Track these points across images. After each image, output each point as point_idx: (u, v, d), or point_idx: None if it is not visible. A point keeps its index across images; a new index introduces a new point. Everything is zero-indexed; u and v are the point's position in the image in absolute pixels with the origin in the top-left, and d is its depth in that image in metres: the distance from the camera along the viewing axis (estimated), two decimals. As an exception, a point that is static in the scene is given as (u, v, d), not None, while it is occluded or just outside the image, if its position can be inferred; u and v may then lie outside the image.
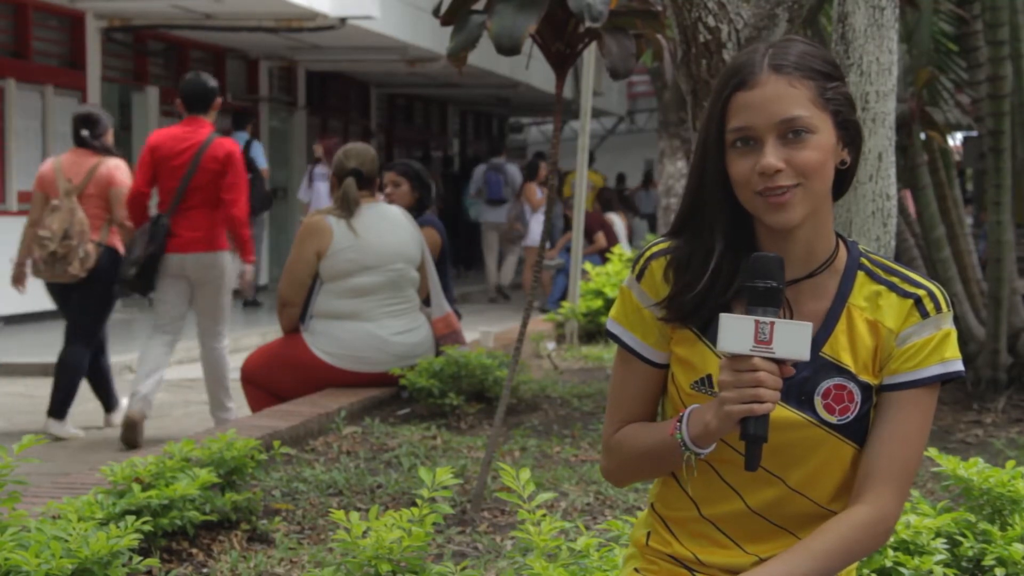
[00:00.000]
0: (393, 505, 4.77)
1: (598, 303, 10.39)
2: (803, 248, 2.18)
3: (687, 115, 4.22)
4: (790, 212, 2.11)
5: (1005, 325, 7.32)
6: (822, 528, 2.15)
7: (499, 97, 25.76)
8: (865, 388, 2.17)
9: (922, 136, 7.58)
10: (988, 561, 3.37)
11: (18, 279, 8.03)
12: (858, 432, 2.18)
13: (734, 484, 2.21)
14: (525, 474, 3.42)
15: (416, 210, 7.72)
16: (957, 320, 7.63)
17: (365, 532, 3.45)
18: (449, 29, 4.69)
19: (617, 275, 10.61)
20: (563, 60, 4.81)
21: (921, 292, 2.19)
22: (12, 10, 14.32)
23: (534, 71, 18.59)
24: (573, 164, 12.13)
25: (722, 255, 2.17)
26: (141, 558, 3.61)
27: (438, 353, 6.89)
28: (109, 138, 8.15)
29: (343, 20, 15.57)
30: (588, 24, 4.50)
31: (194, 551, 4.15)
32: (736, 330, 2.04)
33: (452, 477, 3.58)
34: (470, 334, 8.27)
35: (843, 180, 2.22)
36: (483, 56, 7.21)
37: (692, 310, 2.20)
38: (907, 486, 2.19)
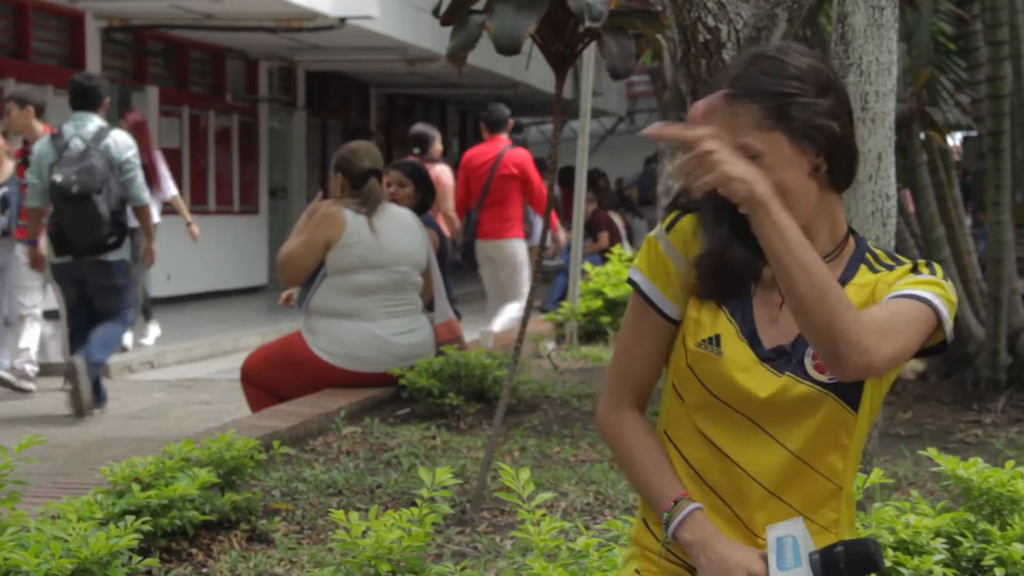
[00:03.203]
0: (393, 505, 4.77)
1: (598, 303, 10.39)
2: (815, 240, 2.25)
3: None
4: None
5: (1005, 325, 7.32)
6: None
7: (499, 97, 25.75)
8: None
9: (922, 136, 7.58)
10: (988, 561, 3.37)
11: None
12: (852, 395, 2.25)
13: (733, 455, 2.28)
14: (525, 474, 3.42)
15: (416, 210, 7.72)
16: (957, 320, 7.63)
17: (365, 532, 3.45)
18: (449, 29, 4.69)
19: (617, 275, 10.61)
20: (563, 60, 4.81)
21: (918, 261, 2.31)
22: (12, 10, 14.32)
23: (534, 71, 18.57)
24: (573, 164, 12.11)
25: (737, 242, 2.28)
26: (141, 558, 3.61)
27: (438, 353, 6.89)
28: (436, 149, 10.64)
29: (343, 20, 15.57)
30: (588, 24, 4.50)
31: (194, 551, 4.15)
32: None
33: (452, 477, 3.58)
34: (470, 334, 8.27)
35: (836, 176, 2.30)
36: (483, 56, 7.21)
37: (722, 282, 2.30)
38: (890, 334, 2.18)
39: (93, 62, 15.37)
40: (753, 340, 2.28)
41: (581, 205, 10.32)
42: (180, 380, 10.49)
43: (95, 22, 15.32)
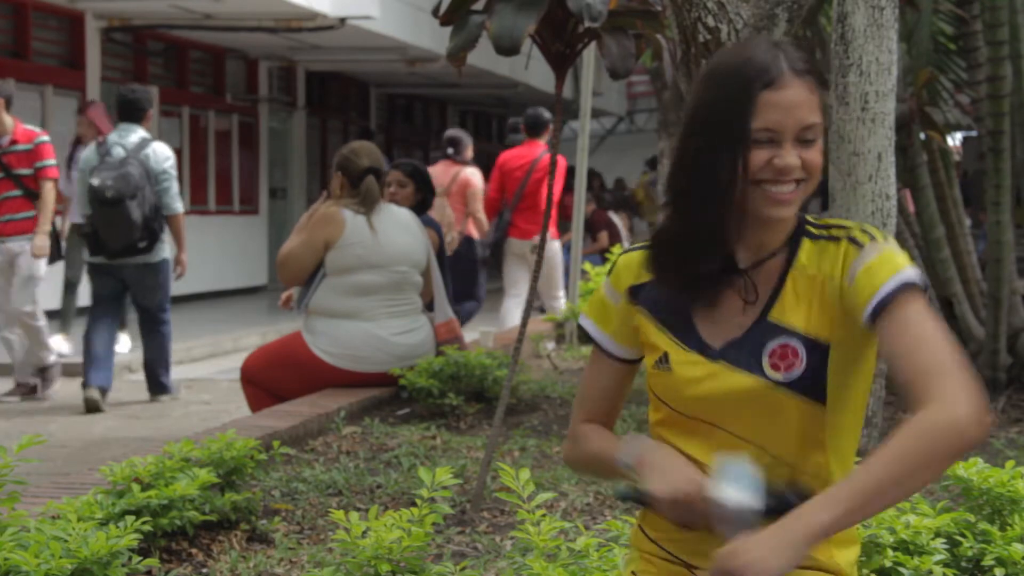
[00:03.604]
0: (393, 505, 4.77)
1: (598, 304, 10.37)
2: (775, 233, 2.29)
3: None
4: (788, 208, 2.25)
5: (1005, 325, 7.32)
6: (895, 434, 2.03)
7: (499, 97, 25.77)
8: (813, 345, 2.23)
9: (922, 136, 7.58)
10: (988, 561, 3.37)
11: None
12: (814, 389, 2.24)
13: (704, 458, 2.28)
14: (525, 474, 3.42)
15: (416, 210, 7.72)
16: (957, 320, 7.63)
17: (365, 532, 3.45)
18: (449, 29, 4.69)
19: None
20: (563, 60, 4.81)
21: (851, 231, 2.27)
22: (12, 10, 14.33)
23: (534, 71, 18.59)
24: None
25: (704, 250, 2.28)
26: (141, 558, 3.61)
27: (438, 353, 6.89)
28: (469, 153, 11.10)
29: (343, 20, 15.57)
30: (587, 24, 4.50)
31: (194, 551, 4.15)
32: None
33: (452, 477, 3.58)
34: (470, 334, 8.27)
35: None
36: (483, 56, 7.22)
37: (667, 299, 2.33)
38: (965, 376, 2.05)
39: (93, 62, 15.37)
40: (701, 346, 2.29)
41: (581, 205, 10.32)
42: (180, 380, 10.49)
43: (95, 22, 15.32)
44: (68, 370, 10.34)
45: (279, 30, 15.86)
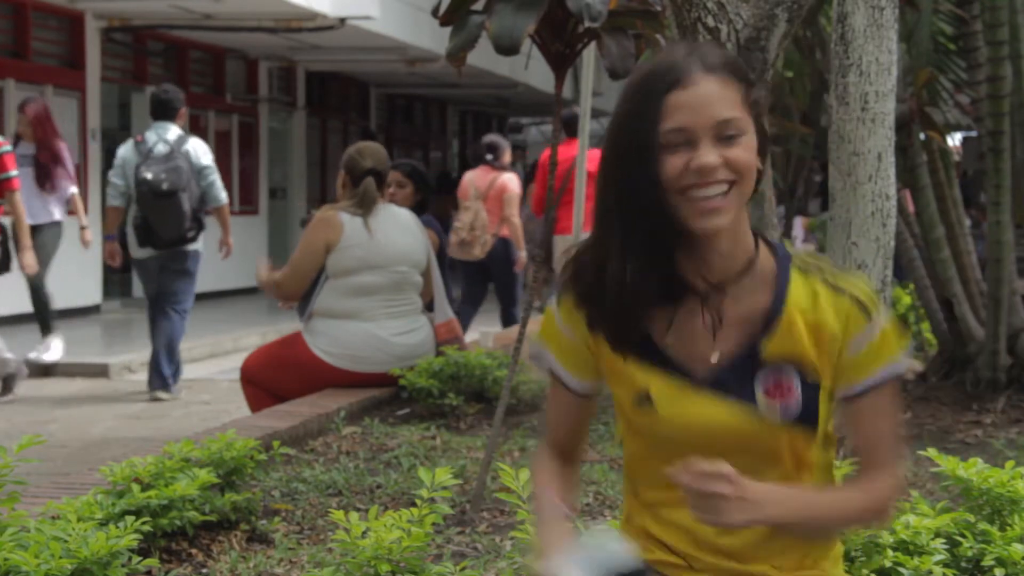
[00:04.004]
0: (393, 505, 4.77)
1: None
2: (728, 251, 2.17)
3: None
4: (721, 217, 2.11)
5: (1005, 326, 7.32)
6: (853, 484, 2.24)
7: (499, 97, 25.77)
8: (805, 381, 2.18)
9: (922, 136, 7.58)
10: (987, 561, 3.37)
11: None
12: (806, 418, 2.19)
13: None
14: (525, 474, 3.42)
15: (416, 211, 7.73)
16: (957, 320, 7.62)
17: (364, 532, 3.45)
18: (449, 29, 4.69)
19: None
20: (562, 60, 4.81)
21: (854, 289, 2.19)
22: (12, 10, 14.32)
23: (533, 71, 18.59)
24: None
25: (640, 270, 2.15)
26: (140, 558, 3.60)
27: (438, 354, 6.89)
28: (507, 158, 11.51)
29: (343, 20, 15.57)
30: (587, 24, 4.50)
31: (193, 551, 4.15)
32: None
33: (452, 477, 3.58)
34: (470, 334, 8.27)
35: (758, 181, 2.22)
36: (483, 56, 7.22)
37: (616, 330, 2.20)
38: (900, 460, 2.27)
39: (93, 62, 15.37)
40: (683, 373, 2.19)
41: (581, 205, 10.32)
42: (180, 380, 10.48)
43: (95, 22, 15.32)
44: (64, 370, 10.37)
45: (279, 30, 15.86)
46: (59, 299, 14.26)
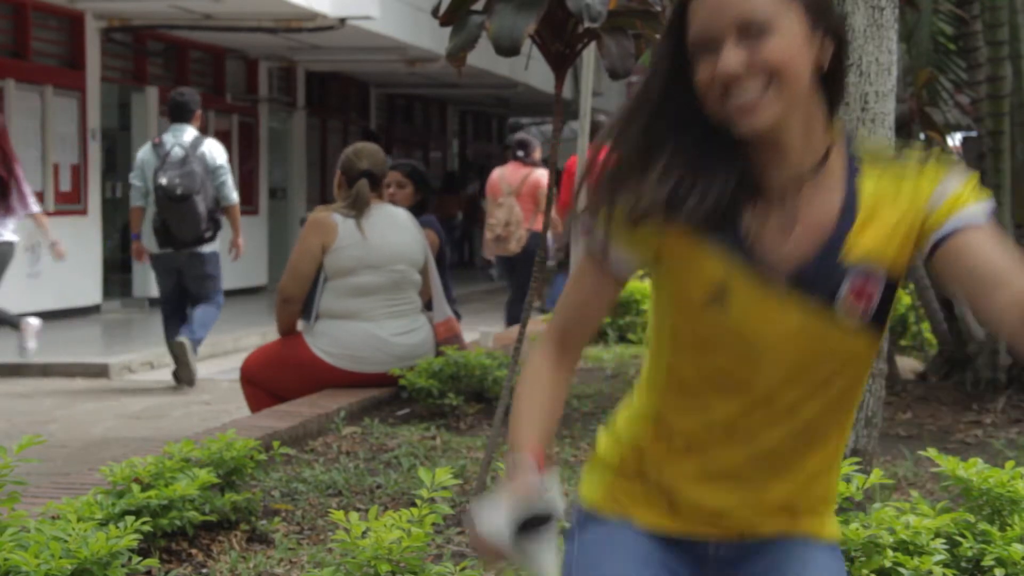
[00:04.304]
0: (393, 505, 4.77)
1: (598, 303, 10.38)
2: (799, 146, 2.03)
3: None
4: (758, 116, 1.98)
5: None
6: None
7: (499, 97, 25.77)
8: (888, 282, 2.05)
9: (922, 136, 7.58)
10: (987, 561, 3.37)
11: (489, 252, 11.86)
12: (879, 321, 2.06)
13: (754, 383, 2.07)
14: (524, 474, 3.41)
15: (416, 211, 7.73)
16: (957, 320, 7.63)
17: (364, 532, 3.45)
18: (449, 29, 4.69)
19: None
20: (562, 60, 4.81)
21: (929, 157, 2.08)
22: (12, 10, 14.32)
23: (533, 71, 18.59)
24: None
25: (712, 172, 2.02)
26: (140, 558, 3.61)
27: (438, 354, 6.89)
28: (537, 155, 11.70)
29: (343, 20, 15.57)
30: (587, 24, 4.50)
31: (193, 551, 4.15)
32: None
33: (451, 477, 3.58)
34: (470, 334, 8.27)
35: (835, 84, 2.09)
36: (482, 56, 7.22)
37: (699, 219, 2.02)
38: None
39: (93, 62, 15.37)
40: (765, 273, 2.03)
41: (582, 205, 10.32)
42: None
43: (95, 22, 15.31)
44: (64, 370, 10.37)
45: (279, 30, 15.86)
46: (59, 299, 14.29)
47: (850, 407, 2.15)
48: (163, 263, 9.72)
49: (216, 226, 9.66)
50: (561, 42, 4.75)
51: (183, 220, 9.45)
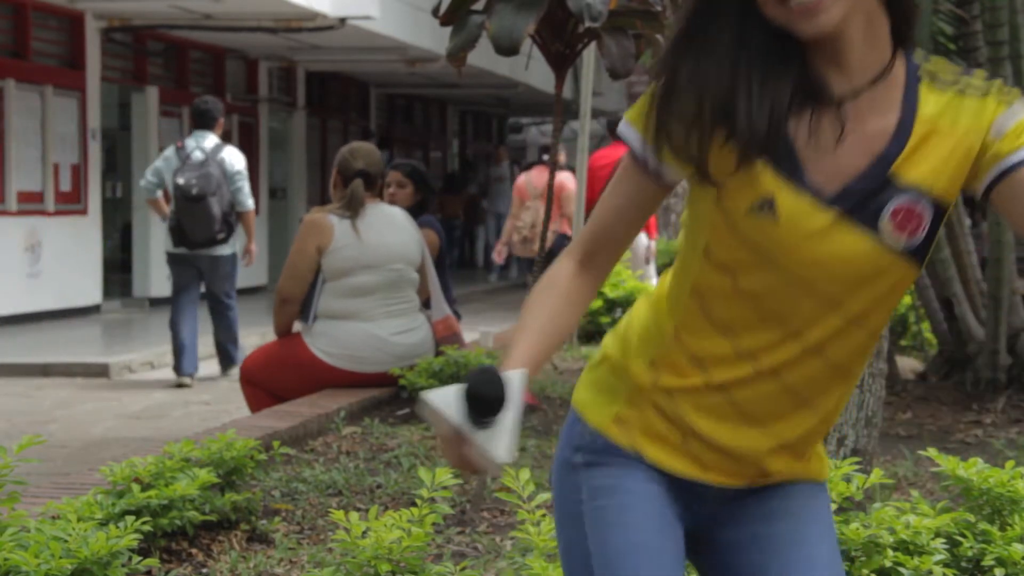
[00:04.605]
0: (393, 505, 4.77)
1: (598, 303, 10.39)
2: (861, 54, 1.95)
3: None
4: (820, 16, 1.90)
5: (1005, 326, 7.32)
6: None
7: (499, 97, 25.75)
8: (938, 208, 1.98)
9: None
10: (988, 561, 3.37)
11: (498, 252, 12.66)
12: (921, 254, 1.99)
13: (786, 312, 2.00)
14: (525, 474, 3.42)
15: (416, 211, 7.72)
16: (957, 320, 7.62)
17: (365, 532, 3.45)
18: (449, 29, 4.69)
19: (616, 275, 10.61)
20: (562, 60, 4.81)
21: (992, 85, 2.01)
22: (12, 10, 14.32)
23: (534, 71, 18.58)
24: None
25: (766, 80, 1.94)
26: (141, 558, 3.61)
27: (438, 353, 6.89)
28: (562, 158, 12.18)
29: (343, 20, 15.56)
30: (587, 24, 4.50)
31: (194, 551, 4.15)
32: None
33: (452, 477, 3.58)
34: (470, 334, 8.27)
35: (904, 14, 1.99)
36: (483, 56, 7.23)
37: (749, 133, 1.93)
38: None
39: (93, 62, 15.37)
40: (812, 190, 1.95)
41: (581, 205, 10.33)
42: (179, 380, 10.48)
43: (95, 22, 15.31)
44: (64, 370, 10.36)
45: (279, 30, 15.85)
46: (59, 299, 14.28)
47: (872, 349, 2.09)
48: (178, 260, 10.05)
49: (230, 229, 9.93)
50: (561, 42, 4.75)
51: (197, 221, 9.76)
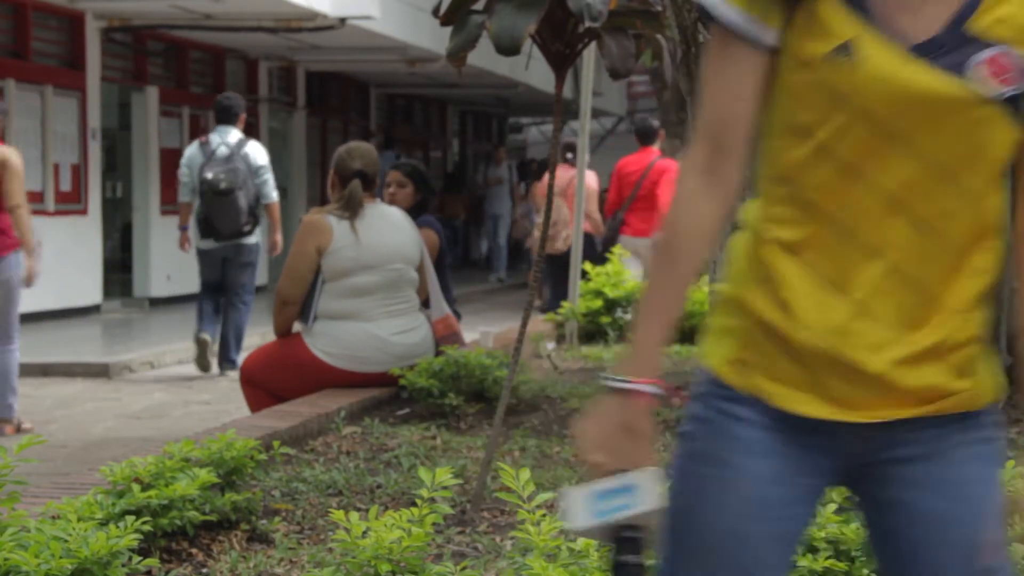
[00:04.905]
0: (393, 505, 4.76)
1: (598, 303, 10.38)
2: None
3: (687, 115, 4.22)
4: None
5: (1005, 326, 7.32)
6: None
7: (499, 97, 25.76)
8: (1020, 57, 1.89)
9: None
10: (988, 561, 3.37)
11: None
12: (1010, 109, 1.90)
13: (870, 171, 1.90)
14: (525, 474, 3.42)
15: (416, 211, 7.72)
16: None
17: (365, 532, 3.45)
18: (449, 29, 4.69)
19: (616, 275, 10.61)
20: (563, 60, 4.81)
21: None
22: (12, 10, 14.32)
23: (534, 71, 18.58)
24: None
25: None
26: (141, 558, 3.61)
27: (438, 353, 6.88)
28: (585, 158, 12.36)
29: (343, 20, 15.56)
30: (588, 24, 4.50)
31: (194, 551, 4.15)
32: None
33: (452, 477, 3.58)
34: (470, 334, 8.27)
35: None
36: (483, 56, 7.22)
37: None
38: None
39: (93, 62, 15.37)
40: (895, 35, 1.88)
41: (581, 205, 10.33)
42: (180, 380, 10.49)
43: (95, 22, 15.31)
44: (64, 370, 10.36)
45: (279, 30, 15.86)
46: (59, 299, 14.28)
47: (996, 229, 1.98)
48: (207, 255, 10.41)
49: (255, 221, 10.30)
50: (561, 42, 4.75)
51: (225, 213, 10.11)
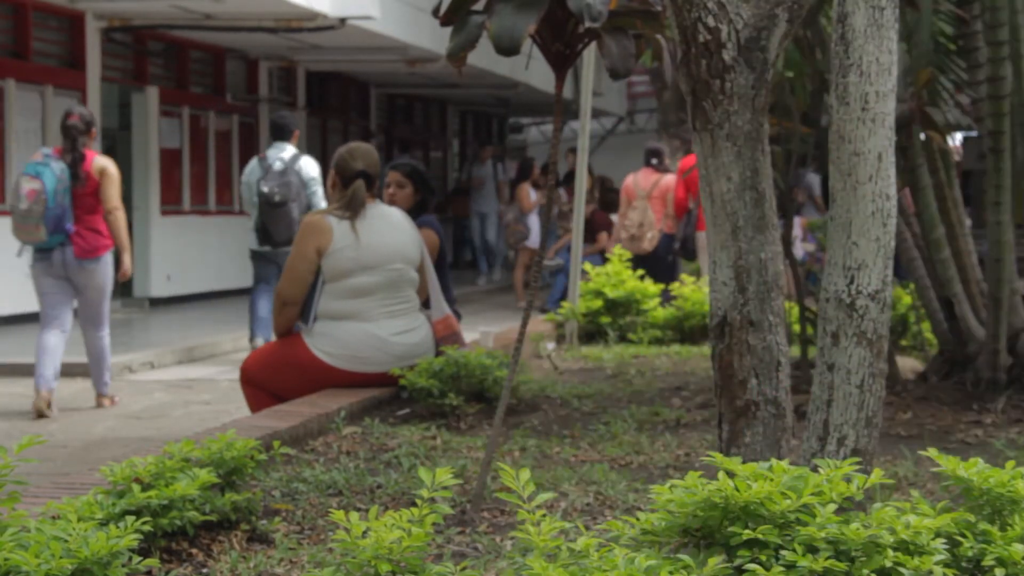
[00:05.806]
0: (393, 505, 4.77)
1: (598, 303, 10.39)
2: None
3: (687, 115, 4.22)
4: None
5: (1005, 326, 7.31)
6: None
7: (499, 97, 25.77)
8: None
9: (922, 136, 7.58)
10: (988, 561, 3.37)
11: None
12: None
13: None
14: (525, 474, 3.41)
15: (416, 211, 7.72)
16: (957, 320, 7.62)
17: (365, 532, 3.45)
18: (449, 29, 4.69)
19: (616, 275, 10.61)
20: (563, 60, 4.81)
21: None
22: (12, 10, 14.32)
23: (534, 71, 18.58)
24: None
25: None
26: (141, 558, 3.60)
27: (438, 353, 6.88)
28: (668, 161, 13.53)
29: (343, 20, 15.57)
30: (588, 24, 4.50)
31: (194, 551, 4.15)
32: None
33: (452, 477, 3.58)
34: (470, 334, 8.27)
35: None
36: (483, 56, 7.23)
37: None
38: None
39: (93, 62, 15.37)
40: None
41: (581, 206, 10.33)
42: (180, 380, 10.50)
43: (95, 22, 15.32)
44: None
45: (279, 30, 15.86)
46: (59, 299, 14.24)
47: None
48: (262, 257, 11.44)
49: None
50: (561, 42, 4.75)
51: (279, 223, 11.03)
